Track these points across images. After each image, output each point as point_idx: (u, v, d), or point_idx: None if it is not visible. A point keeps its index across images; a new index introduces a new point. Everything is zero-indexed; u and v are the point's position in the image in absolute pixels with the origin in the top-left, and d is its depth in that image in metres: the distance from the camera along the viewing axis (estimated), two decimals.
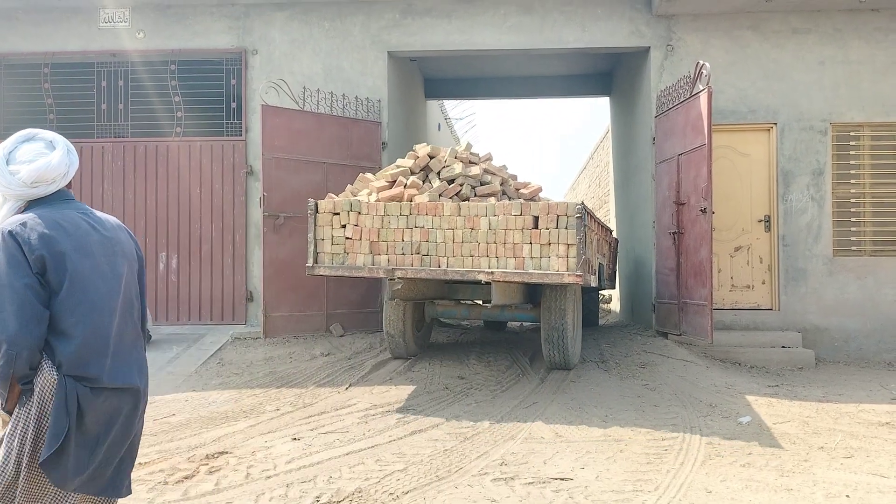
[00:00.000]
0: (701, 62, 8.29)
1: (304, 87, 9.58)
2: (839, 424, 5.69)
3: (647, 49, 9.85)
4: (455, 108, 19.30)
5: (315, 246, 6.93)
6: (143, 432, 2.68)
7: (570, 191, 26.34)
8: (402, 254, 6.75)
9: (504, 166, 7.57)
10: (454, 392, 6.69)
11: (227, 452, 4.84)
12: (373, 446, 4.95)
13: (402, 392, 6.70)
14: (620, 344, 8.95)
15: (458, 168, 7.15)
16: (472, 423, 5.61)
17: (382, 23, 10.06)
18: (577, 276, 6.35)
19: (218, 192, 10.11)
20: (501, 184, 7.20)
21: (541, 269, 6.42)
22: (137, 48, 10.14)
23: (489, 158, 7.57)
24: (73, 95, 10.39)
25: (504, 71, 13.91)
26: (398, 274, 6.74)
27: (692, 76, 8.51)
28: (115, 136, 10.33)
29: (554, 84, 14.59)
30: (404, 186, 7.09)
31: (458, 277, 6.75)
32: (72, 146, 2.54)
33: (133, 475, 4.33)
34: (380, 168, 9.83)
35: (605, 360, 8.08)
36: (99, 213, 2.54)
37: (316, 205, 6.96)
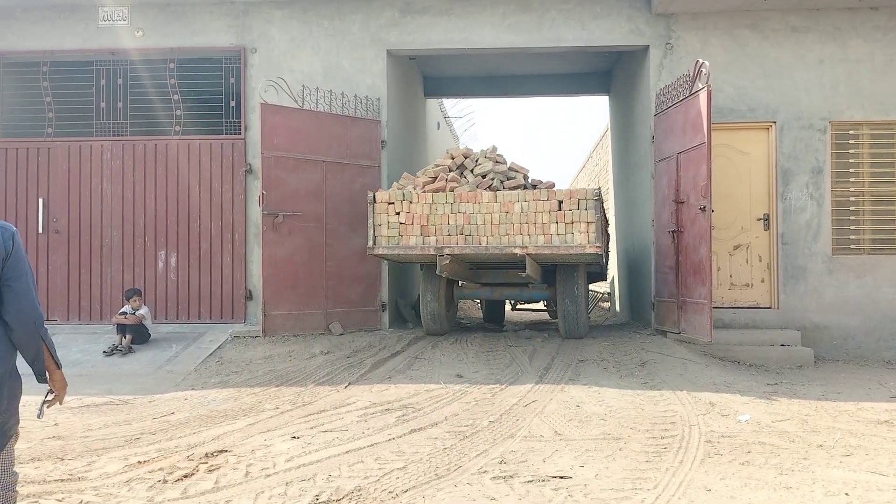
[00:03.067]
0: (700, 61, 8.29)
1: (304, 86, 9.57)
2: (838, 423, 5.69)
3: (647, 48, 9.85)
4: (454, 107, 19.30)
5: (374, 231, 8.36)
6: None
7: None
8: (449, 235, 8.20)
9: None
10: (453, 390, 6.69)
11: (226, 451, 4.83)
12: (372, 445, 4.94)
13: (401, 390, 6.70)
14: (620, 342, 8.96)
15: (489, 165, 8.78)
16: (471, 421, 5.61)
17: (382, 21, 10.05)
18: (596, 246, 7.87)
19: (217, 190, 10.11)
20: (524, 178, 8.77)
21: (566, 243, 7.93)
22: (136, 46, 10.13)
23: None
24: (72, 94, 10.38)
25: (503, 69, 13.90)
26: (446, 251, 8.14)
27: (691, 75, 8.51)
28: (115, 135, 10.32)
29: (553, 82, 14.57)
30: (446, 181, 8.53)
31: (496, 252, 8.11)
32: None
33: (132, 473, 4.35)
34: (379, 166, 9.90)
35: (604, 358, 8.08)
36: None
37: (374, 196, 8.39)
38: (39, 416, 3.04)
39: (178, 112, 10.23)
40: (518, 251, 8.01)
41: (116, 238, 10.17)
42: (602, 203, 8.32)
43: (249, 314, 9.98)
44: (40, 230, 10.20)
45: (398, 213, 8.34)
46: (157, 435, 5.34)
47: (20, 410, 2.93)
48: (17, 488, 2.88)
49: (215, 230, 10.11)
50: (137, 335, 8.91)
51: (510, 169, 8.89)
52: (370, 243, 8.39)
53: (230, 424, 5.61)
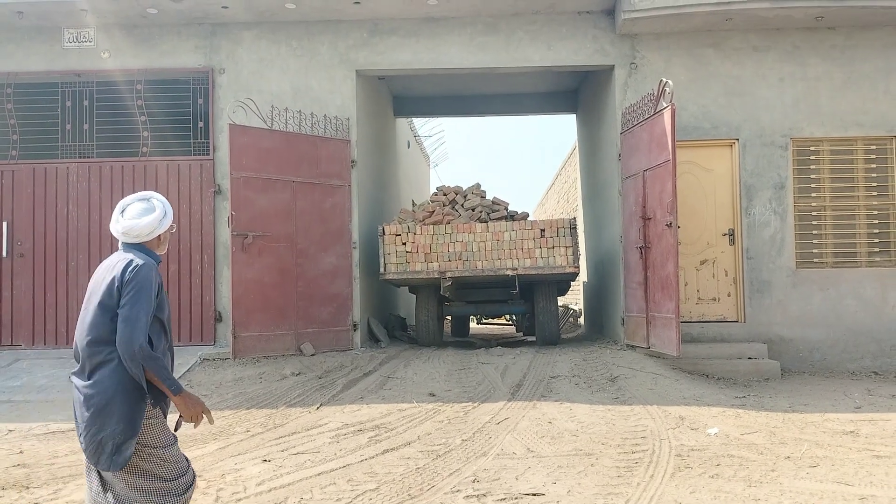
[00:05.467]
0: (664, 80, 8.45)
1: (273, 106, 9.57)
2: (805, 434, 5.79)
3: (612, 67, 10.01)
4: (424, 126, 19.39)
5: (384, 259, 9.76)
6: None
7: (539, 206, 26.51)
8: (449, 260, 9.73)
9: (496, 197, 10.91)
10: (426, 409, 6.68)
11: (196, 475, 4.77)
12: (344, 466, 4.92)
13: (373, 410, 6.68)
14: (591, 358, 9.02)
15: (476, 200, 10.59)
16: (444, 440, 5.61)
17: (350, 42, 10.10)
18: (575, 267, 9.70)
19: (185, 211, 10.02)
20: (505, 210, 10.54)
21: (548, 265, 9.66)
22: (103, 68, 10.06)
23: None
24: (37, 116, 10.26)
25: (472, 89, 14.03)
26: (448, 274, 9.68)
27: (656, 93, 8.67)
28: (81, 157, 10.21)
29: (521, 101, 14.73)
30: (443, 215, 10.18)
31: (491, 274, 9.70)
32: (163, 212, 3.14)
33: None
34: (349, 186, 9.92)
35: (575, 374, 8.13)
36: (113, 257, 3.08)
37: (383, 229, 9.83)
38: (175, 430, 3.18)
39: (146, 133, 10.15)
40: (510, 272, 9.64)
41: (83, 261, 10.03)
42: (576, 229, 9.81)
43: (219, 336, 9.88)
44: (4, 254, 10.03)
45: (404, 244, 9.74)
46: None
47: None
48: None
49: (184, 252, 10.02)
50: None
51: (493, 202, 10.64)
52: (381, 269, 9.76)
53: (200, 448, 5.54)
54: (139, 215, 3.09)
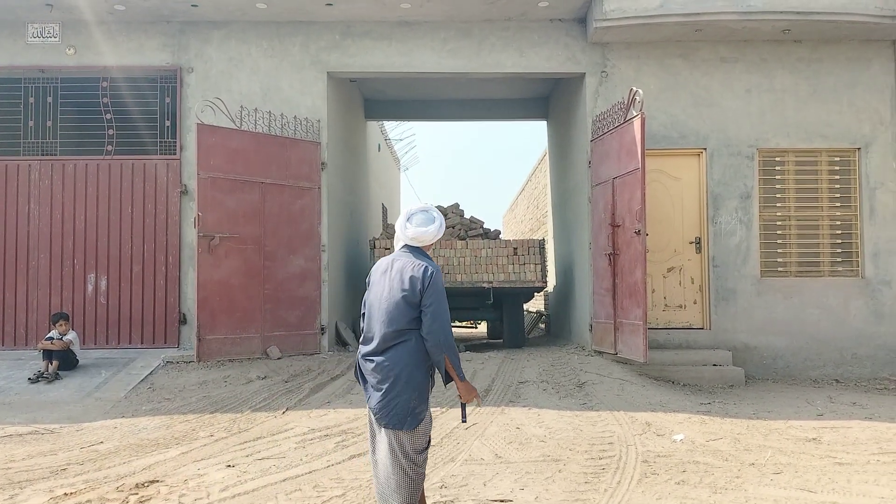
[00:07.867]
0: (634, 89, 8.52)
1: (242, 106, 9.46)
2: (769, 441, 5.86)
3: (583, 75, 10.07)
4: (395, 129, 19.34)
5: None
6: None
7: (509, 212, 26.57)
8: None
9: (473, 216, 12.41)
10: None
11: (158, 481, 4.68)
12: (310, 472, 4.86)
13: (340, 415, 6.62)
14: (559, 363, 9.04)
15: (456, 219, 11.97)
16: None
17: (322, 43, 10.03)
18: (543, 281, 10.86)
19: (150, 211, 9.86)
20: (481, 228, 12.03)
21: (520, 279, 10.79)
22: (67, 64, 9.87)
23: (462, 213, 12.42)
24: None
25: (443, 93, 14.03)
26: None
27: (626, 102, 8.73)
28: (43, 154, 10.00)
29: (493, 107, 14.77)
30: None
31: (469, 286, 10.76)
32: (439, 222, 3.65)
33: None
34: (319, 188, 9.86)
35: (543, 380, 8.14)
36: (403, 259, 3.60)
37: (374, 241, 10.96)
38: (463, 420, 3.70)
39: (111, 131, 9.97)
40: (486, 285, 10.72)
41: (43, 260, 9.81)
42: (545, 248, 10.95)
43: (183, 339, 9.73)
44: None
45: None
46: (85, 465, 5.13)
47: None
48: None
49: (148, 252, 9.85)
50: (64, 361, 8.57)
51: (471, 221, 12.04)
52: (368, 279, 10.26)
53: (162, 453, 5.44)
54: (424, 224, 3.63)
